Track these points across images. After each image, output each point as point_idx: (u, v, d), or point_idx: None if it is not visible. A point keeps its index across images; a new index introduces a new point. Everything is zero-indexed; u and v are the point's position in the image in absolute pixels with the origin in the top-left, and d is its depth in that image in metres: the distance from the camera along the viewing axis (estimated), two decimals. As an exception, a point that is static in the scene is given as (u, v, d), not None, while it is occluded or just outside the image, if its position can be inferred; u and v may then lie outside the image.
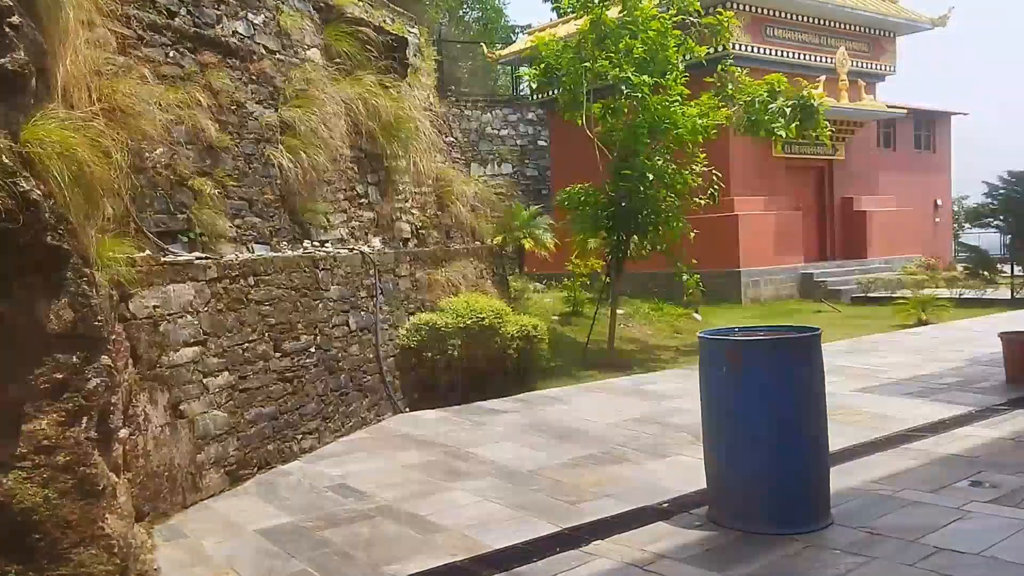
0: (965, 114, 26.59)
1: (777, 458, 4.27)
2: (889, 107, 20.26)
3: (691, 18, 10.86)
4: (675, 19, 10.63)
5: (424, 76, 11.84)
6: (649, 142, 10.39)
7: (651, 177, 10.20)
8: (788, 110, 9.75)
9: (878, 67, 20.73)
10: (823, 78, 18.55)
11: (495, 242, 11.36)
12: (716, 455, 4.53)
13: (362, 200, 8.62)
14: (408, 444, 6.51)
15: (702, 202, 11.01)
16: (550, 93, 18.07)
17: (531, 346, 8.80)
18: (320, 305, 6.94)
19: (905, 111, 20.73)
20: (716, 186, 11.03)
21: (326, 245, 7.69)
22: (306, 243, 7.45)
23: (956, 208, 30.21)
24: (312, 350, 6.67)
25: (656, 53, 10.23)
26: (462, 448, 6.27)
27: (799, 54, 18.91)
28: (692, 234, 11.24)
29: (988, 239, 33.99)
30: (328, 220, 7.96)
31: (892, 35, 20.90)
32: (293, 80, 8.12)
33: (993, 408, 6.85)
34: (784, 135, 10.37)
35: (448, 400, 7.80)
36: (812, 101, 9.83)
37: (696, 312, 14.70)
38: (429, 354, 7.77)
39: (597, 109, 10.70)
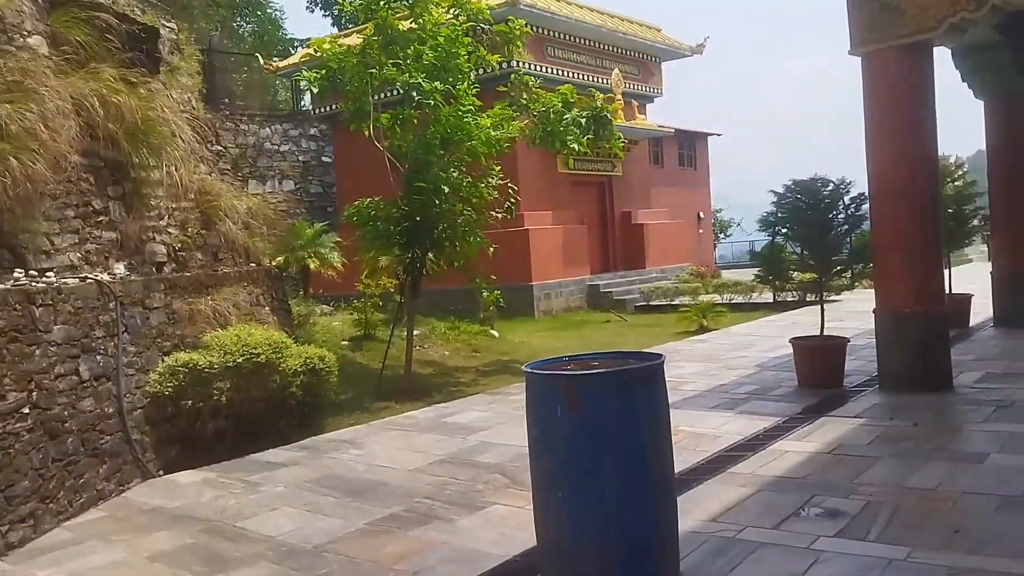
0: (719, 135, 28.45)
1: (624, 512, 3.41)
2: (659, 127, 20.98)
3: (482, 25, 10.12)
4: (465, 26, 9.84)
5: (185, 77, 10.12)
6: (442, 154, 9.48)
7: (446, 190, 9.28)
8: (583, 121, 9.25)
9: (647, 89, 21.44)
10: (601, 96, 18.78)
11: (274, 264, 9.89)
12: (549, 512, 3.60)
13: (101, 218, 6.89)
14: (158, 522, 4.99)
15: (499, 216, 10.26)
16: (334, 107, 16.74)
17: (318, 381, 7.49)
18: (38, 351, 5.24)
19: (672, 131, 21.63)
20: (512, 200, 10.33)
21: (48, 274, 5.95)
22: (18, 273, 5.69)
23: (715, 220, 32.35)
24: (25, 411, 4.98)
25: (447, 60, 9.36)
26: (229, 522, 4.88)
27: (578, 74, 18.99)
28: (491, 249, 10.51)
29: (737, 248, 36.80)
30: (52, 243, 6.20)
31: (658, 60, 21.74)
32: (3, 70, 6.32)
33: (796, 417, 6.56)
34: (578, 148, 9.85)
35: (215, 455, 6.28)
36: (605, 112, 9.39)
37: (492, 328, 13.99)
38: (189, 402, 6.22)
39: (386, 119, 9.63)
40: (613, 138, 9.72)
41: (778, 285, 7.98)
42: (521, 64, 17.05)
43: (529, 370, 3.58)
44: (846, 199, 7.44)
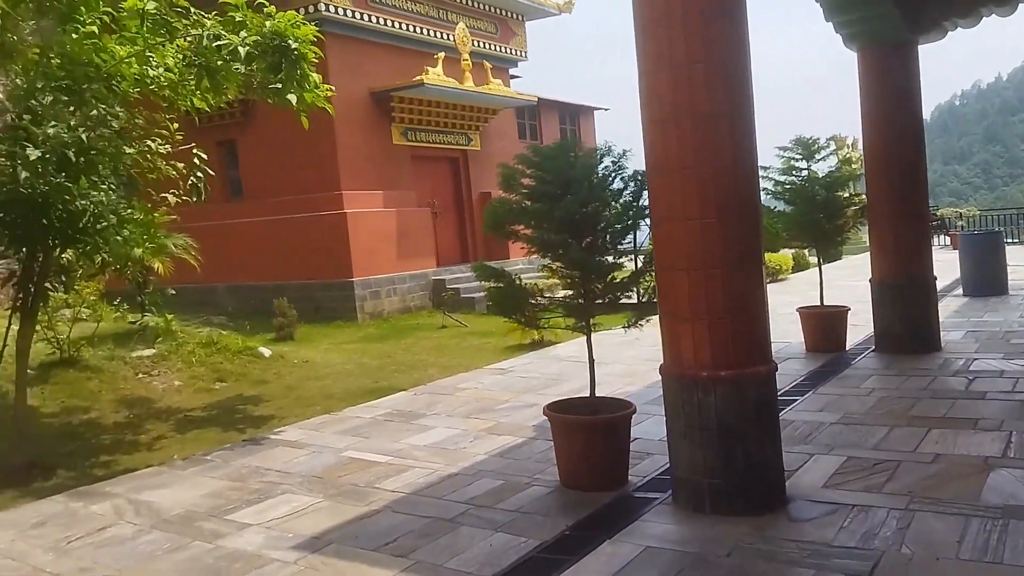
0: (607, 109, 25.46)
1: None
2: (519, 94, 17.77)
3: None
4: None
5: None
6: (67, 100, 5.97)
7: (73, 156, 5.77)
8: (243, 51, 5.54)
9: (508, 51, 18.18)
10: (442, 55, 15.48)
11: None
12: None
13: None
14: None
15: (178, 199, 6.86)
16: None
17: None
18: None
19: (534, 99, 18.43)
20: (198, 174, 6.90)
21: None
22: None
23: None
24: None
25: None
26: None
27: (413, 26, 15.59)
28: (181, 245, 7.16)
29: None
30: None
31: (520, 17, 18.46)
32: None
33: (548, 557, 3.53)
34: (223, 95, 6.05)
35: None
36: (290, 40, 5.81)
37: (265, 348, 10.59)
38: None
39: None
40: (308, 84, 6.05)
41: (526, 320, 4.88)
42: (331, 9, 13.62)
43: None
44: (618, 180, 4.37)
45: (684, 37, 3.82)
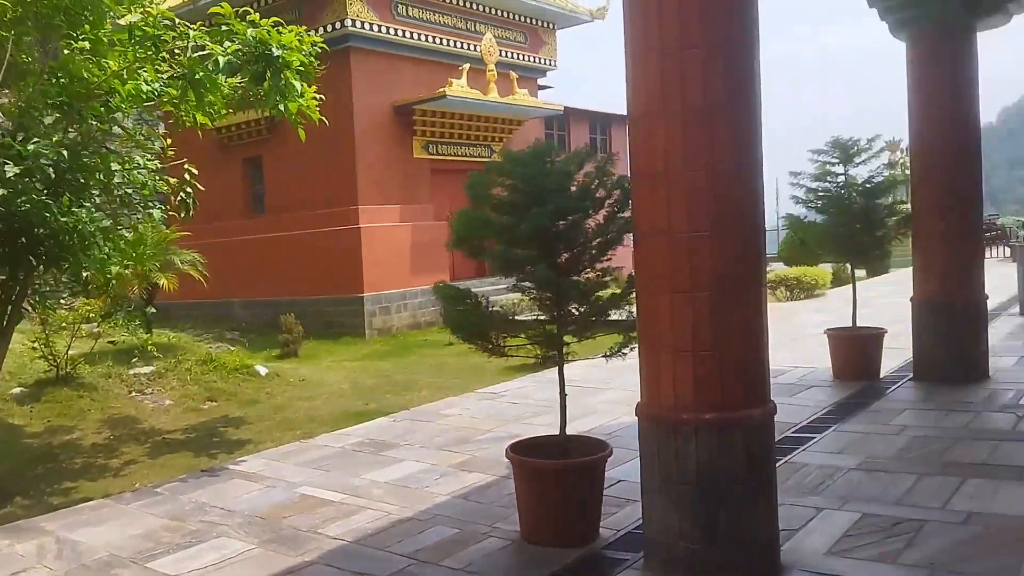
0: (640, 122, 24.68)
1: None
2: (545, 104, 17.19)
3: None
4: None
5: None
6: (60, 116, 5.58)
7: (51, 170, 5.33)
8: (222, 60, 5.03)
9: (537, 60, 17.62)
10: (467, 66, 15.00)
11: None
12: None
13: None
14: None
15: (165, 215, 6.38)
16: None
17: None
18: None
19: (560, 109, 17.83)
20: (187, 189, 6.42)
21: None
22: None
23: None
24: None
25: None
26: None
27: (440, 38, 15.15)
28: (188, 261, 6.65)
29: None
30: None
31: (551, 26, 17.90)
32: None
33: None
34: (215, 112, 5.65)
35: None
36: (272, 47, 5.16)
37: (262, 365, 10.09)
38: None
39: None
40: (290, 93, 5.48)
41: (492, 348, 4.27)
42: (357, 25, 13.26)
43: None
44: (601, 188, 3.75)
45: (677, 16, 3.19)
